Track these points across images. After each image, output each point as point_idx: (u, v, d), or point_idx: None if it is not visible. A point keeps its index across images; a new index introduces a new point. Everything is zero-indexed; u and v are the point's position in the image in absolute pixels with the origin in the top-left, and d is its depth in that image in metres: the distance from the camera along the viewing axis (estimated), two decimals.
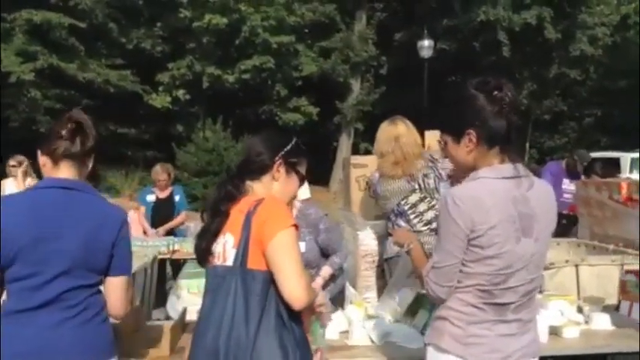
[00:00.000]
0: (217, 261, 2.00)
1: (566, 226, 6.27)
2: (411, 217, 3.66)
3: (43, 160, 2.15)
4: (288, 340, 1.90)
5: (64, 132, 2.10)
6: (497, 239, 1.83)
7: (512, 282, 1.88)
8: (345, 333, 2.86)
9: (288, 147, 2.14)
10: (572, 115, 25.08)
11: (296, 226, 1.95)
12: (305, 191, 7.14)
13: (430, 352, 1.98)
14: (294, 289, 1.88)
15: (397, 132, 3.78)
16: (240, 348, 1.86)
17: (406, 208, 3.68)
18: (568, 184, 6.92)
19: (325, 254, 3.42)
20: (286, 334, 1.90)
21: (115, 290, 2.16)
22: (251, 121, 20.15)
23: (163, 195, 6.65)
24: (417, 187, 3.68)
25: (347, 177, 4.56)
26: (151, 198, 6.65)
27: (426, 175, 3.68)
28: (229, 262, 1.96)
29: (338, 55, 20.34)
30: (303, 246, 3.34)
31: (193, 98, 20.17)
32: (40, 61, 16.56)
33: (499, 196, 1.86)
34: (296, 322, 1.96)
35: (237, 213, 1.99)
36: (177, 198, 6.70)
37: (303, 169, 2.22)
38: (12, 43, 16.55)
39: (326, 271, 3.36)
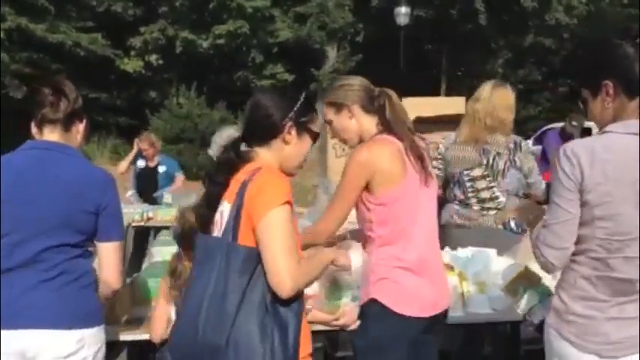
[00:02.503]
0: (216, 229, 1.89)
1: None
2: (468, 190, 3.55)
3: (32, 128, 2.17)
4: (269, 322, 1.76)
5: (42, 98, 2.11)
6: (608, 198, 1.70)
7: (629, 251, 1.71)
8: None
9: (298, 104, 1.93)
10: (546, 85, 25.25)
11: (289, 203, 1.80)
12: None
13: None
14: (278, 275, 1.74)
15: (511, 101, 3.60)
16: (219, 323, 1.75)
17: (466, 179, 3.56)
18: None
19: None
20: (268, 317, 1.76)
21: (107, 256, 2.14)
22: (226, 87, 19.90)
23: (152, 164, 6.57)
24: (484, 162, 3.53)
25: (324, 144, 4.53)
26: (140, 164, 6.57)
27: (498, 154, 3.52)
28: (219, 233, 1.86)
29: (314, 21, 20.04)
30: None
31: (166, 63, 19.80)
32: (8, 22, 16.04)
33: (619, 151, 1.71)
34: (284, 305, 1.79)
35: (235, 182, 1.85)
36: (163, 168, 6.58)
37: (316, 128, 2.01)
38: None
39: None
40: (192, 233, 2.28)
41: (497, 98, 3.53)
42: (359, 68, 20.09)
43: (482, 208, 3.52)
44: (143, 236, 6.03)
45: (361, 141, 2.37)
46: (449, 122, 4.23)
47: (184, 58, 19.62)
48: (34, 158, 2.10)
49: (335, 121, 2.41)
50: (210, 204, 1.92)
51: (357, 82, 2.44)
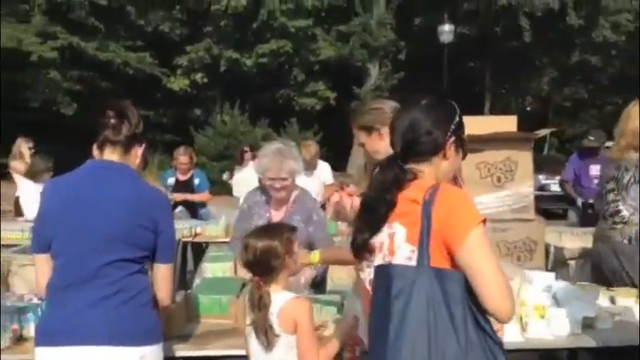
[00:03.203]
0: (379, 254, 1.75)
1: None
2: (603, 204, 3.56)
3: (94, 148, 2.22)
4: (492, 346, 1.65)
5: (106, 120, 2.17)
6: None
7: None
8: None
9: (457, 118, 1.82)
10: (594, 103, 24.71)
11: (484, 221, 1.66)
12: (329, 177, 7.17)
13: None
14: (500, 300, 1.60)
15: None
16: None
17: (603, 192, 3.58)
18: (597, 170, 6.64)
19: (310, 248, 3.37)
20: (490, 342, 1.65)
21: (162, 277, 2.20)
22: (268, 105, 20.13)
23: (183, 178, 6.69)
24: (615, 176, 3.51)
25: (363, 163, 4.51)
26: (171, 181, 6.69)
27: (626, 169, 3.49)
28: (401, 260, 1.69)
29: (356, 39, 20.15)
30: None
31: (211, 82, 20.16)
32: (60, 41, 16.61)
33: None
34: (490, 325, 1.67)
35: (407, 201, 1.71)
36: (196, 181, 6.72)
37: (466, 142, 1.90)
38: (32, 23, 16.60)
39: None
40: (265, 258, 2.28)
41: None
42: (401, 86, 20.08)
43: (613, 222, 3.50)
44: (184, 250, 6.13)
45: None
46: (500, 140, 4.16)
47: (228, 76, 19.95)
48: (94, 176, 2.15)
49: (367, 144, 2.45)
50: (375, 225, 1.76)
51: (386, 105, 2.47)
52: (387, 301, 1.66)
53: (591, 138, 6.75)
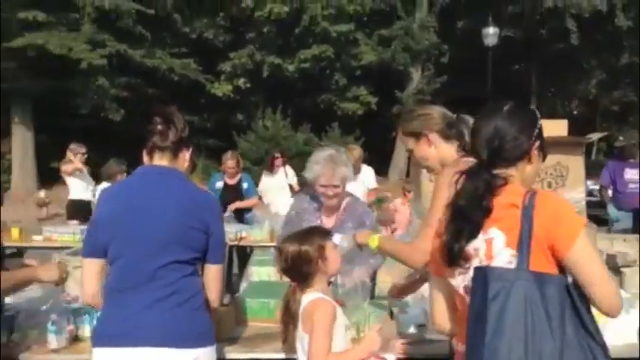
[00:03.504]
0: (474, 260, 1.76)
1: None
2: None
3: (144, 155, 2.29)
4: (594, 347, 1.67)
5: (153, 127, 2.23)
6: None
7: None
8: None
9: (539, 123, 1.85)
10: None
11: (585, 224, 1.73)
12: (372, 181, 7.15)
13: None
14: (612, 297, 1.67)
15: None
16: None
17: None
18: (632, 174, 6.38)
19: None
20: (592, 343, 1.67)
21: (212, 278, 2.23)
22: (310, 110, 20.22)
23: (232, 182, 6.78)
24: None
25: (418, 168, 4.47)
26: (219, 185, 6.79)
27: None
28: (501, 265, 1.70)
29: (398, 43, 20.04)
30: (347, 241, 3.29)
31: (254, 87, 20.37)
32: (109, 48, 17.05)
33: None
34: (596, 325, 1.71)
35: (503, 206, 1.73)
36: (245, 185, 6.81)
37: (546, 145, 1.93)
38: (81, 31, 17.10)
39: (360, 273, 3.24)
40: (297, 264, 2.31)
41: None
42: (444, 89, 19.90)
43: None
44: (230, 254, 6.19)
45: (443, 166, 2.40)
46: (551, 145, 4.06)
47: (270, 81, 20.12)
48: (146, 182, 2.22)
49: (415, 150, 2.46)
50: (472, 231, 1.76)
51: (433, 110, 2.47)
52: (484, 302, 1.67)
53: (621, 138, 6.48)
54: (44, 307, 2.69)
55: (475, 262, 1.75)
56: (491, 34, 16.92)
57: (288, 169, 8.11)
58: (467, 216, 1.76)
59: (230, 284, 5.80)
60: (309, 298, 2.28)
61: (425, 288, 3.27)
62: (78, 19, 17.26)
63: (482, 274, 1.71)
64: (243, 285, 3.87)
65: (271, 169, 7.79)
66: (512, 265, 1.68)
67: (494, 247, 1.72)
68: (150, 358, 2.08)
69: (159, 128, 2.22)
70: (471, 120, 2.39)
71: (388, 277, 3.78)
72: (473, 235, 1.75)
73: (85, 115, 17.58)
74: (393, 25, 20.28)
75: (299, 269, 2.31)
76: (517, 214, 1.69)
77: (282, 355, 2.62)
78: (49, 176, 16.74)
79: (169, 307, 2.10)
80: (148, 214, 2.13)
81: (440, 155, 2.42)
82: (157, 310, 2.09)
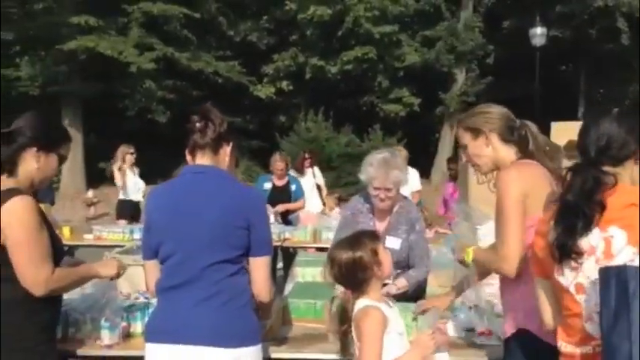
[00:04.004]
0: (588, 257, 1.77)
1: None
2: None
3: (187, 154, 2.32)
4: None
5: (192, 125, 2.26)
6: None
7: None
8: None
9: None
10: None
11: None
12: (417, 183, 7.10)
13: None
14: None
15: None
16: None
17: None
18: None
19: (407, 254, 3.31)
20: None
21: (257, 271, 2.22)
22: (352, 111, 20.18)
23: (280, 183, 6.81)
24: None
25: (465, 169, 4.42)
26: (267, 185, 6.83)
27: None
28: (622, 261, 1.72)
29: (442, 44, 19.82)
30: (398, 243, 3.27)
31: (296, 89, 20.47)
32: (156, 52, 17.41)
33: None
34: None
35: (620, 205, 1.77)
36: (293, 187, 6.83)
37: None
38: (129, 35, 17.52)
39: (401, 283, 3.23)
40: (351, 272, 2.25)
41: None
42: (489, 91, 19.57)
43: None
44: (275, 254, 6.24)
45: (495, 169, 2.37)
46: None
47: (313, 83, 20.18)
48: (189, 182, 2.25)
49: (470, 146, 2.42)
50: (584, 228, 1.78)
51: (497, 110, 2.43)
52: (625, 300, 1.65)
53: None
54: (100, 303, 2.76)
55: (590, 260, 1.76)
56: (538, 34, 16.57)
57: (316, 169, 8.15)
58: (578, 211, 1.78)
59: (275, 283, 5.85)
60: (359, 305, 2.23)
61: (471, 291, 3.24)
62: (126, 24, 17.69)
63: (617, 272, 1.67)
64: (289, 286, 3.89)
65: (301, 169, 7.81)
66: (635, 263, 1.69)
67: (614, 245, 1.74)
68: (194, 356, 2.12)
69: (197, 126, 2.25)
70: (534, 127, 2.37)
71: (435, 282, 3.75)
72: (586, 229, 1.77)
73: (132, 117, 18.01)
74: (437, 26, 20.06)
75: (354, 277, 2.24)
76: (636, 212, 1.72)
77: (329, 356, 2.62)
78: (97, 177, 17.22)
79: (215, 306, 2.13)
80: (191, 215, 2.17)
81: (496, 156, 2.38)
82: (202, 308, 2.13)
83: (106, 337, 2.61)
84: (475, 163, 2.46)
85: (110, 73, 17.41)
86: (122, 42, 17.08)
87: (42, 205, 2.33)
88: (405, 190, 6.15)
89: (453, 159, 8.02)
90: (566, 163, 2.52)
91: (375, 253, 2.26)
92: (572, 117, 18.01)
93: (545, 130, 3.80)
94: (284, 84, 20.20)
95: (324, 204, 7.81)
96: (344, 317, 2.25)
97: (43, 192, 3.20)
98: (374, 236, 2.38)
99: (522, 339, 2.19)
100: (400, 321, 2.32)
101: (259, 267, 2.21)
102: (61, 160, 2.41)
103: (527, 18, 17.75)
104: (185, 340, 2.12)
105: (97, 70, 17.33)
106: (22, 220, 2.15)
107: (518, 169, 2.26)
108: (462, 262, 2.58)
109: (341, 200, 8.01)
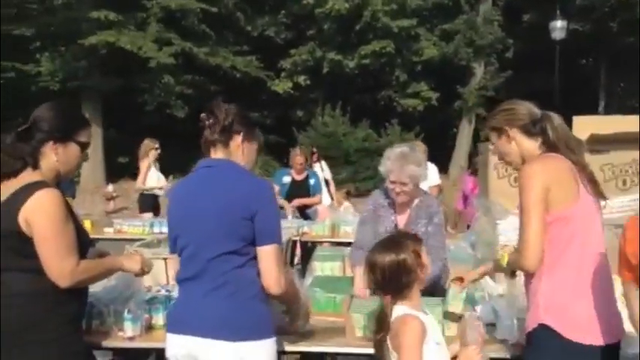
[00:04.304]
0: None
1: None
2: None
3: (203, 150, 2.37)
4: None
5: (202, 122, 2.32)
6: None
7: None
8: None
9: None
10: None
11: None
12: (436, 177, 7.07)
13: None
14: None
15: None
16: None
17: None
18: None
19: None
20: None
21: (264, 260, 2.20)
22: (369, 106, 20.13)
23: (299, 177, 6.84)
24: None
25: (485, 164, 4.38)
26: (286, 179, 6.85)
27: None
28: None
29: (461, 38, 19.66)
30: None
31: (313, 84, 20.46)
32: (175, 47, 17.51)
33: None
34: None
35: None
36: (312, 182, 6.86)
37: None
38: (148, 30, 17.62)
39: None
40: (395, 276, 2.15)
41: None
42: (508, 85, 19.41)
43: None
44: (293, 248, 6.24)
45: (525, 163, 2.37)
46: (625, 141, 3.91)
47: (330, 78, 20.15)
48: (200, 177, 2.31)
49: (497, 144, 2.46)
50: None
51: (518, 106, 2.43)
52: None
53: None
54: (123, 295, 2.80)
55: None
56: (558, 27, 16.36)
57: (324, 163, 8.22)
58: None
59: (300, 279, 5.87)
60: (398, 312, 2.13)
61: (490, 287, 3.22)
62: (145, 19, 17.79)
63: None
64: (308, 279, 3.91)
65: (311, 165, 7.88)
66: None
67: None
68: (202, 348, 2.17)
69: (206, 123, 2.30)
70: (556, 117, 2.36)
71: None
72: None
73: (151, 112, 18.13)
74: (456, 20, 19.91)
75: (398, 281, 2.13)
76: None
77: (348, 349, 2.64)
78: (116, 171, 17.38)
79: (222, 297, 2.17)
80: (201, 209, 2.22)
81: (521, 150, 2.39)
82: (211, 299, 2.18)
83: (129, 329, 2.64)
84: (506, 161, 2.49)
85: (129, 68, 17.53)
86: (141, 37, 17.19)
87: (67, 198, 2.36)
88: (424, 185, 6.15)
89: (475, 153, 8.00)
90: (589, 157, 2.53)
91: (417, 254, 2.17)
92: (592, 111, 17.82)
93: (566, 125, 3.76)
94: (301, 79, 20.20)
95: (332, 198, 7.85)
96: (382, 325, 2.15)
97: (64, 185, 3.23)
98: (415, 238, 2.28)
99: (543, 334, 2.19)
100: (437, 329, 2.25)
101: (265, 256, 2.19)
102: (83, 147, 2.41)
103: (547, 11, 17.54)
104: (194, 330, 2.18)
105: (116, 65, 17.46)
106: (48, 212, 2.18)
107: (543, 162, 2.27)
108: (499, 267, 2.56)
109: (349, 195, 8.02)
